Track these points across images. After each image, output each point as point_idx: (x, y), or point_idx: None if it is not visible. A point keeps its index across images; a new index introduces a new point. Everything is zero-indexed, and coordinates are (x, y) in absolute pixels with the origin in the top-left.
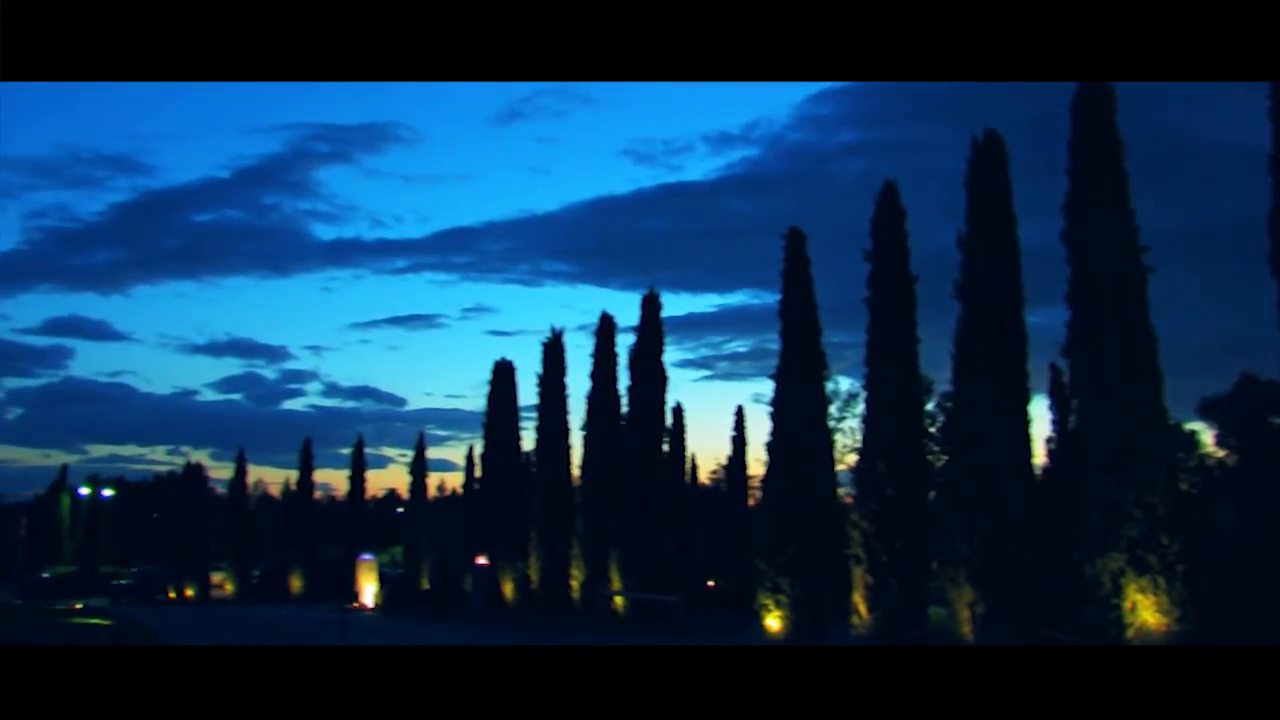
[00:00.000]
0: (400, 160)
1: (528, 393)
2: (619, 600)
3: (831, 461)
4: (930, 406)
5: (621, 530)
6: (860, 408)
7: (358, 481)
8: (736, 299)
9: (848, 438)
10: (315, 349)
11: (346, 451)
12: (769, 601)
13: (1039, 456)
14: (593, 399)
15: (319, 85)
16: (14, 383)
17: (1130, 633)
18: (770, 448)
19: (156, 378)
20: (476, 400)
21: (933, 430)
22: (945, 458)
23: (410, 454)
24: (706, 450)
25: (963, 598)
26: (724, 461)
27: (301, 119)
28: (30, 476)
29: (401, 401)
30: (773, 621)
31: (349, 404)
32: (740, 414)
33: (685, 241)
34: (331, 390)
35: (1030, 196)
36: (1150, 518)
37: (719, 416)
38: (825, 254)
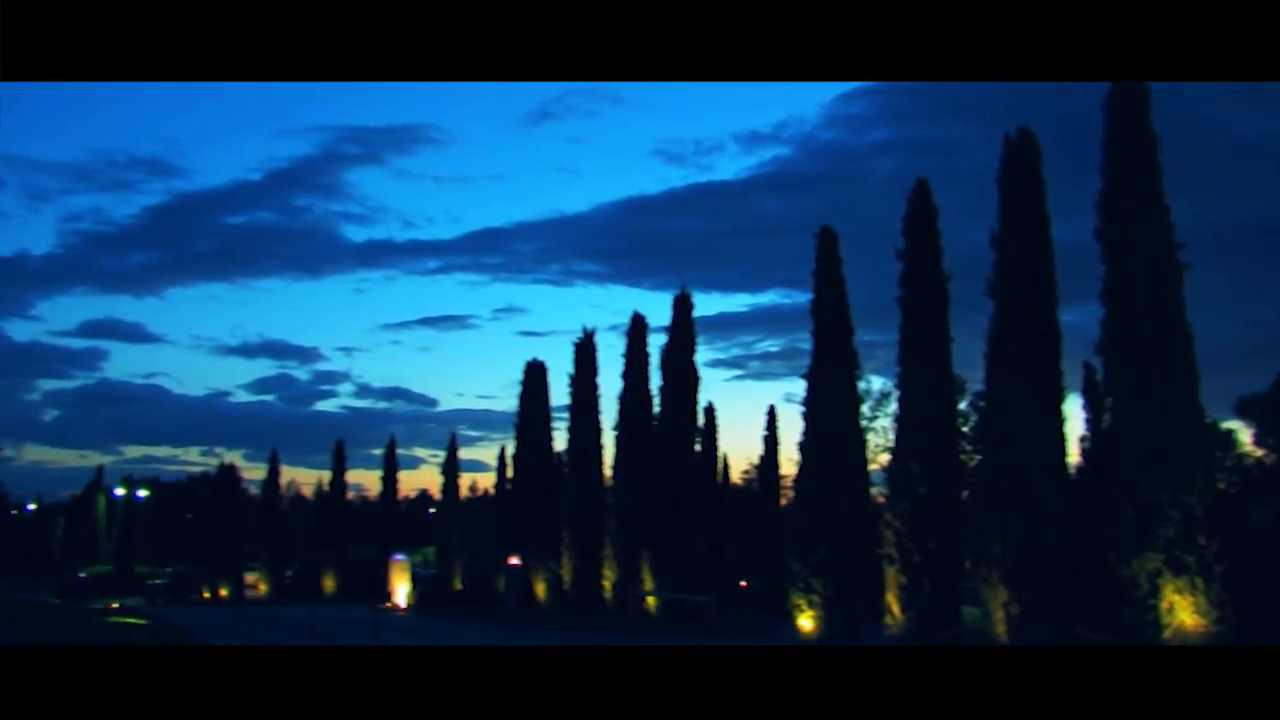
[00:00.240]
0: (431, 161)
1: (559, 393)
2: (651, 600)
3: (864, 461)
4: (963, 405)
5: (653, 530)
6: (893, 407)
7: (390, 482)
8: (768, 298)
9: (880, 437)
10: (347, 350)
11: (379, 452)
12: (801, 601)
13: (1073, 456)
14: (624, 399)
15: (349, 88)
16: (50, 384)
17: (1167, 633)
18: (802, 447)
19: (190, 379)
20: (508, 401)
21: (965, 429)
22: (978, 457)
23: (442, 454)
24: (738, 450)
25: (997, 598)
26: (756, 461)
27: (332, 121)
28: (67, 477)
29: (433, 402)
30: (805, 621)
31: (381, 405)
32: (772, 414)
33: (716, 241)
34: (363, 391)
35: (1062, 194)
36: (1187, 518)
37: (751, 416)
38: (857, 253)
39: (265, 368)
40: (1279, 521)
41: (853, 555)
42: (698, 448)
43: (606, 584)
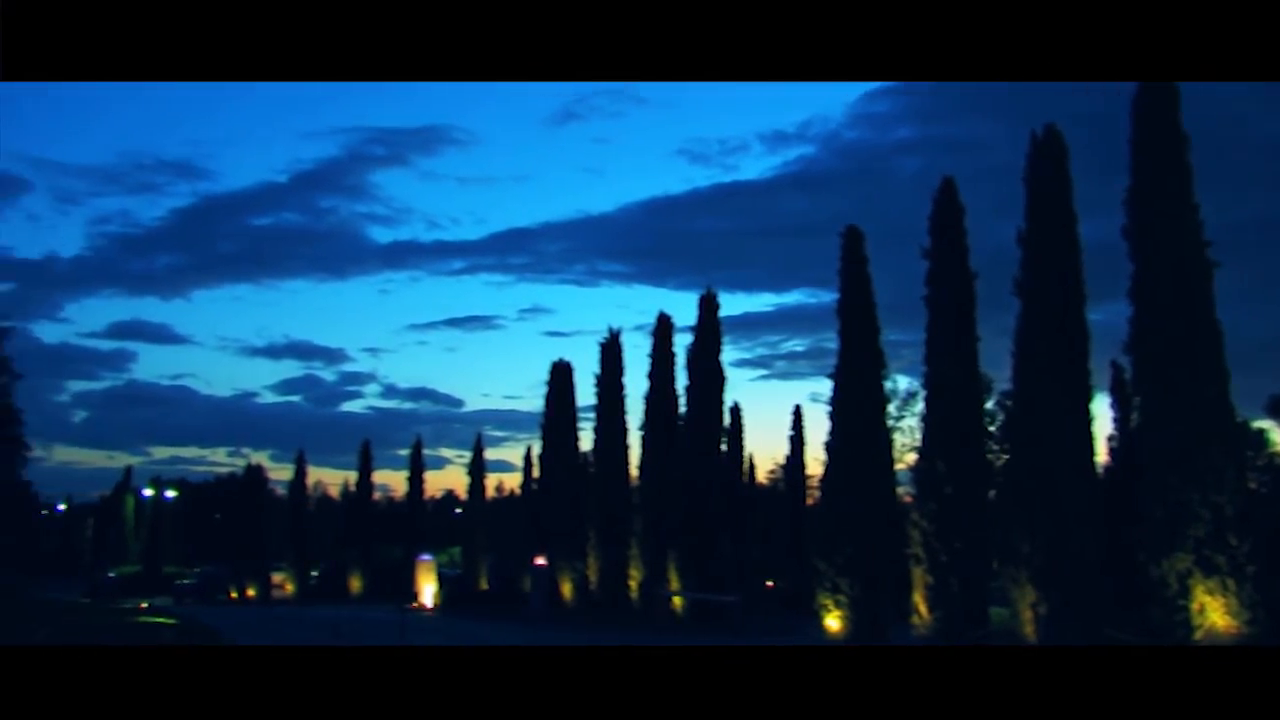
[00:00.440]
0: (456, 162)
1: (585, 393)
2: (677, 600)
3: (890, 460)
4: (990, 405)
5: (679, 530)
6: (919, 406)
7: (416, 482)
8: (793, 298)
9: (906, 436)
10: (373, 351)
11: (405, 453)
12: (828, 601)
13: (1101, 455)
14: (650, 399)
15: (374, 90)
16: (79, 386)
17: (1198, 635)
18: (829, 447)
19: (217, 380)
20: (534, 401)
21: (992, 429)
22: (1005, 456)
23: (468, 455)
24: (764, 450)
25: (1025, 598)
26: (782, 461)
27: (357, 123)
28: (96, 478)
29: (459, 403)
30: (832, 621)
31: (407, 405)
32: (798, 413)
33: (741, 241)
34: (389, 392)
35: (1089, 192)
36: (1218, 518)
37: (776, 416)
38: (882, 252)
39: (291, 369)
40: None
41: (879, 555)
42: (723, 448)
43: (633, 584)
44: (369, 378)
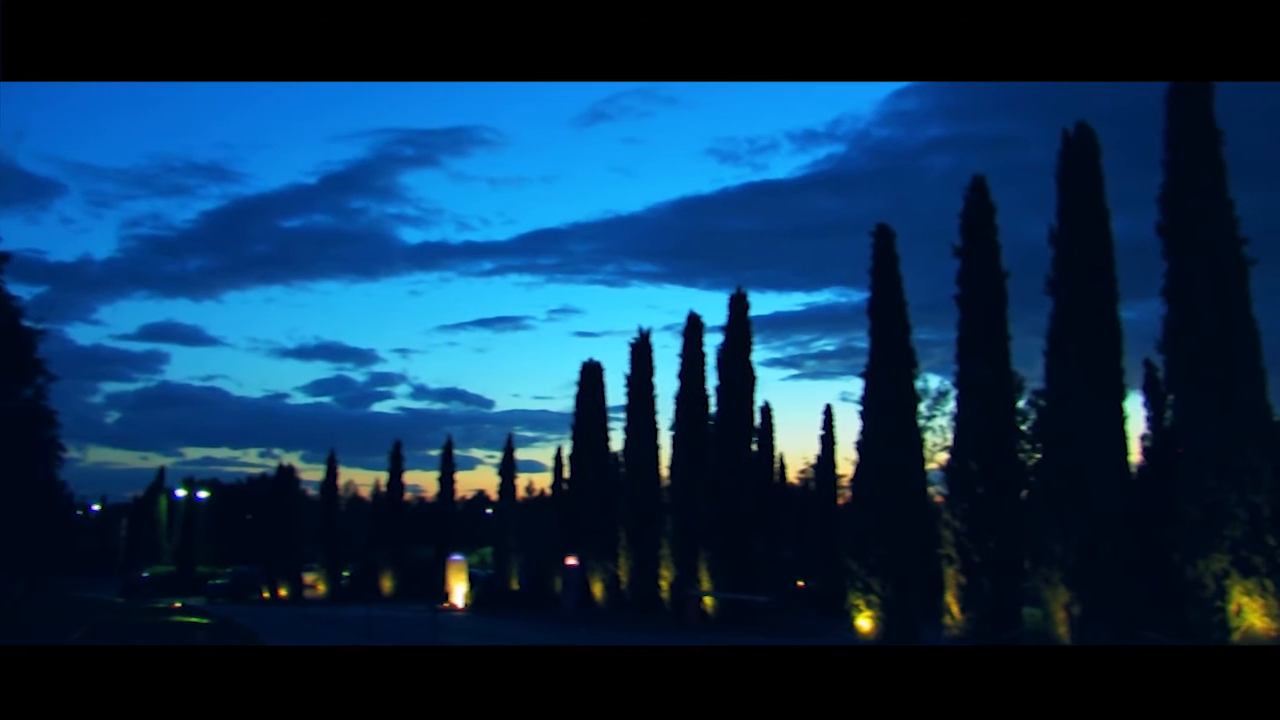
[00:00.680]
0: (485, 163)
1: (615, 393)
2: (708, 601)
3: (922, 460)
4: (1021, 404)
5: (710, 530)
6: (950, 405)
7: (447, 483)
8: (824, 297)
9: (937, 436)
10: (403, 352)
11: (435, 453)
12: (860, 602)
13: (1134, 454)
14: (681, 399)
15: (402, 91)
16: (112, 387)
17: (1236, 636)
18: (860, 446)
19: (248, 381)
20: (564, 401)
21: (1024, 428)
22: (1038, 455)
23: (499, 455)
24: (794, 449)
25: (1058, 598)
26: (812, 460)
27: (386, 124)
28: (129, 478)
29: (489, 403)
30: (864, 622)
31: (437, 406)
32: (829, 413)
33: (771, 240)
34: (420, 392)
35: (1121, 188)
36: (1255, 518)
37: (807, 415)
38: (913, 250)
39: (322, 370)
40: None
41: (911, 555)
42: (754, 447)
43: (664, 584)
44: (399, 378)
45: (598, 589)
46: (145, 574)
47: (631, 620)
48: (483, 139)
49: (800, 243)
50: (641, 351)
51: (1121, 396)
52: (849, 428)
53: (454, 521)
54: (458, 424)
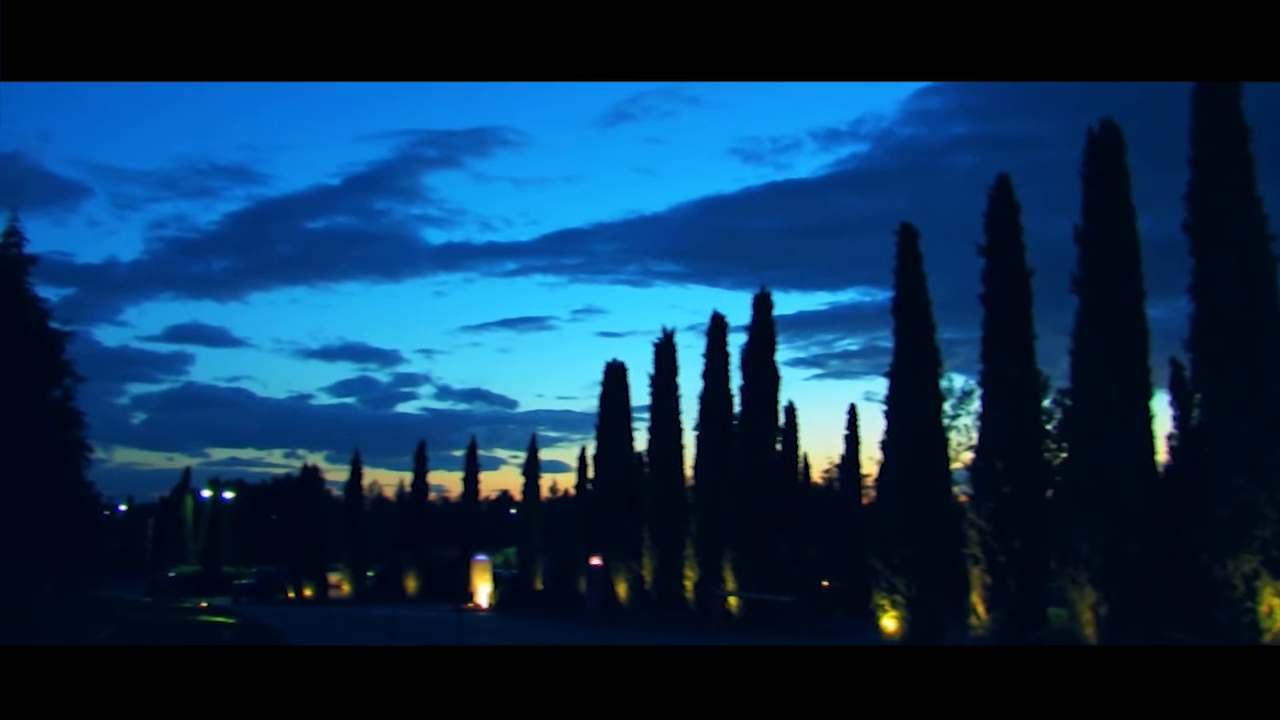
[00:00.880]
0: (508, 164)
1: (639, 393)
2: (733, 601)
3: (947, 459)
4: (1047, 403)
5: (735, 530)
6: (975, 404)
7: (471, 483)
8: (847, 296)
9: (962, 435)
10: (427, 352)
11: (459, 453)
12: (885, 602)
13: (1161, 453)
14: (705, 399)
15: (425, 92)
16: (139, 388)
17: (1267, 638)
18: (884, 446)
19: (273, 382)
20: (588, 401)
21: (1050, 427)
22: (1064, 455)
23: (523, 455)
24: (819, 449)
25: (1084, 598)
26: (837, 460)
27: (409, 125)
28: (156, 479)
29: (513, 403)
30: (889, 622)
31: (461, 406)
32: (853, 412)
33: (795, 240)
34: (444, 393)
35: (1147, 186)
36: None
37: (831, 415)
38: (937, 249)
39: (346, 370)
40: None
41: (936, 555)
42: (778, 447)
43: (688, 584)
44: (423, 379)
45: (622, 589)
46: (171, 574)
47: (656, 620)
48: (506, 139)
49: (824, 242)
50: (665, 351)
51: (1148, 395)
52: (873, 427)
53: (478, 522)
54: (482, 424)
